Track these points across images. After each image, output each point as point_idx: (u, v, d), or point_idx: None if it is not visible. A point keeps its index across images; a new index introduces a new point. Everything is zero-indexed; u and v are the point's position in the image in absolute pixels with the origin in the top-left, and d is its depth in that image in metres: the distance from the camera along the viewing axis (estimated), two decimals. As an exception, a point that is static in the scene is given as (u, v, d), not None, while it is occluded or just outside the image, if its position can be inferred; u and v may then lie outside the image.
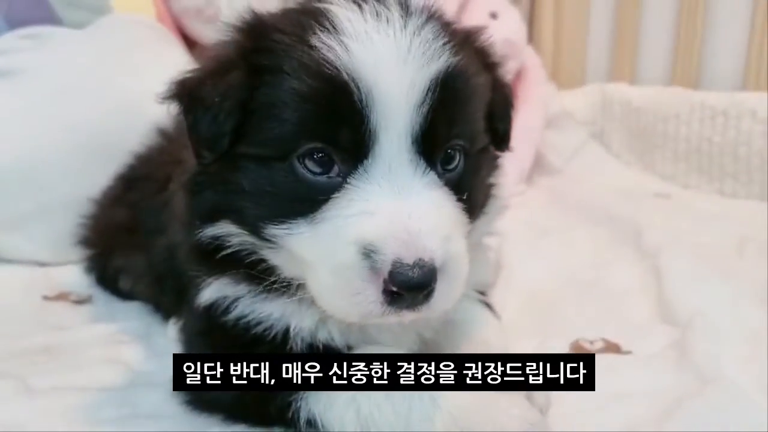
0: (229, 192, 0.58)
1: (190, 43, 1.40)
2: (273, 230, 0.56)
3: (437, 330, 0.69)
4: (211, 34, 1.31)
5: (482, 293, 0.77)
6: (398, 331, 0.65)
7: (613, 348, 0.79)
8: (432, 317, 0.66)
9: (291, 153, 0.54)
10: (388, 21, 0.56)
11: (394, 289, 0.50)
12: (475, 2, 1.66)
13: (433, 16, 0.61)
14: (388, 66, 0.53)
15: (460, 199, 0.57)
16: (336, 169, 0.54)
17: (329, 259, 0.52)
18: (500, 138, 0.67)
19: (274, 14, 0.61)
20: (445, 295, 0.53)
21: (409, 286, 0.50)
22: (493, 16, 1.66)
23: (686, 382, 0.68)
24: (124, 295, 0.98)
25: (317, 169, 0.54)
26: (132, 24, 1.23)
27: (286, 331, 0.59)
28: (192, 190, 0.62)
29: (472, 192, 0.59)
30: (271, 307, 0.59)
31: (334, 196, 0.53)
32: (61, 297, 1.03)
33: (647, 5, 1.85)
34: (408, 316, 0.54)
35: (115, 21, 1.20)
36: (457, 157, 0.57)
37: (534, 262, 1.11)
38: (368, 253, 0.51)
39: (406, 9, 0.58)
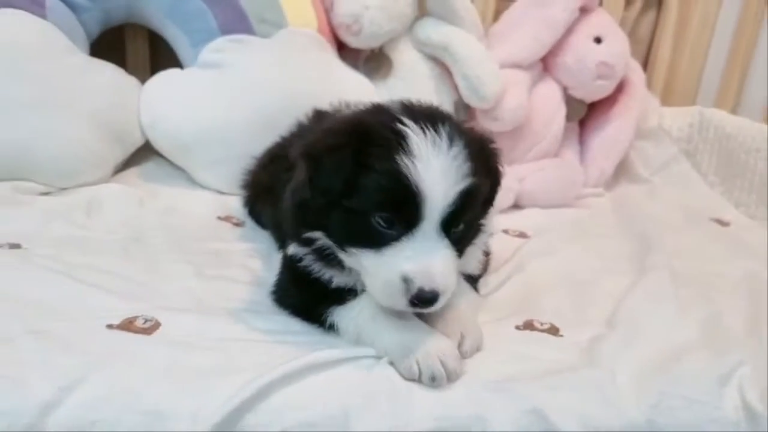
0: (327, 219, 0.95)
1: (342, 46, 1.84)
2: (352, 248, 0.93)
3: None
4: (354, 43, 1.77)
5: (472, 277, 1.13)
6: None
7: (553, 330, 1.07)
8: None
9: (372, 212, 0.89)
10: (439, 147, 0.89)
11: (416, 302, 0.89)
12: (582, 26, 1.86)
13: (461, 136, 0.92)
14: (436, 180, 0.88)
15: (458, 251, 0.95)
16: (397, 227, 0.90)
17: (383, 276, 0.90)
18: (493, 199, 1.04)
19: (373, 122, 0.93)
20: (441, 303, 0.91)
21: (424, 302, 0.89)
22: (597, 40, 1.86)
23: (569, 363, 0.95)
24: (262, 227, 1.45)
25: (384, 225, 0.90)
26: (300, 35, 1.69)
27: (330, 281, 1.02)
28: (299, 202, 0.96)
29: (465, 240, 0.98)
30: (330, 272, 1.02)
31: (393, 243, 0.90)
32: (227, 219, 1.51)
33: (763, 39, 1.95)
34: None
35: (289, 33, 1.67)
36: (461, 230, 0.94)
37: (548, 258, 1.37)
38: (405, 280, 0.88)
39: (450, 138, 0.90)
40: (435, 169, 0.88)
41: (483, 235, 1.08)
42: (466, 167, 0.90)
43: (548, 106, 1.89)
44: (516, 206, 1.80)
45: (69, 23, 1.58)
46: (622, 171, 2.01)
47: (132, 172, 1.69)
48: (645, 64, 2.16)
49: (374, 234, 0.91)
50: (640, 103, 1.97)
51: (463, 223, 0.94)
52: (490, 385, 0.91)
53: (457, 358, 0.93)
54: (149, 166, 1.72)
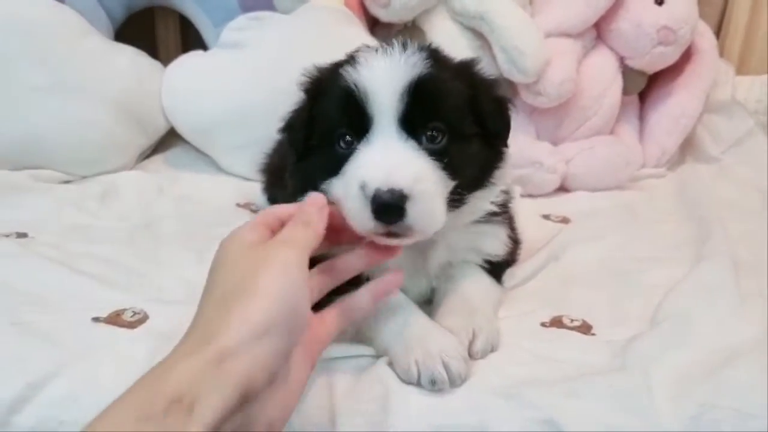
0: (307, 173, 0.88)
1: (375, 21, 1.73)
2: (326, 187, 0.82)
3: (440, 279, 0.96)
4: (384, 15, 1.66)
5: (491, 264, 0.99)
6: (411, 274, 0.92)
7: (584, 328, 0.94)
8: (432, 264, 0.93)
9: (332, 137, 0.82)
10: (389, 54, 0.81)
11: (379, 211, 0.72)
12: None
13: (427, 52, 0.83)
14: (380, 76, 0.79)
15: (442, 166, 0.79)
16: (356, 142, 0.80)
17: (347, 194, 0.77)
18: (494, 134, 0.87)
19: (329, 65, 0.90)
20: (415, 218, 0.73)
21: (384, 204, 0.72)
22: (659, 2, 1.65)
23: (598, 367, 0.82)
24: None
25: (345, 146, 0.81)
26: (325, 10, 1.60)
27: None
28: (293, 175, 0.92)
29: (455, 162, 0.80)
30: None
31: (351, 158, 0.80)
32: (246, 206, 1.46)
33: None
34: (398, 239, 0.75)
35: (312, 8, 1.60)
36: (440, 137, 0.80)
37: (588, 246, 1.21)
38: (362, 187, 0.74)
39: (405, 47, 0.82)
40: (379, 68, 0.79)
41: (493, 188, 0.92)
42: (420, 64, 0.80)
43: (601, 78, 1.70)
44: (562, 189, 1.64)
45: (89, 6, 1.57)
46: (687, 149, 1.81)
47: (158, 159, 1.67)
48: (718, 29, 1.92)
49: (340, 159, 0.81)
50: (709, 72, 1.76)
51: (441, 126, 0.80)
52: (498, 390, 0.79)
53: (463, 360, 0.80)
54: (176, 151, 1.70)
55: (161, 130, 1.63)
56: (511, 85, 1.69)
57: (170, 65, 1.63)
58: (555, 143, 1.69)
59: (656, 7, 1.66)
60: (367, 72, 0.80)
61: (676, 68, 1.75)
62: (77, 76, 1.45)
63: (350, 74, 0.80)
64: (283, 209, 0.74)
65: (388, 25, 1.74)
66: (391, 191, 0.72)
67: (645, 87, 1.78)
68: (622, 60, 1.73)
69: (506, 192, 0.98)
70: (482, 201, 0.91)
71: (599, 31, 1.73)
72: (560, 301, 1.03)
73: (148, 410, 0.52)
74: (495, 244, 0.99)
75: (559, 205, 1.53)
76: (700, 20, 1.73)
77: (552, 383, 0.80)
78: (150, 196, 1.42)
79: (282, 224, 0.71)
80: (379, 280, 0.79)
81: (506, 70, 1.61)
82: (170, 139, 1.70)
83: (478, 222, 0.94)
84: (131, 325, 0.90)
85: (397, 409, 0.77)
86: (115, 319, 0.91)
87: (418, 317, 0.86)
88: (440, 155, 0.79)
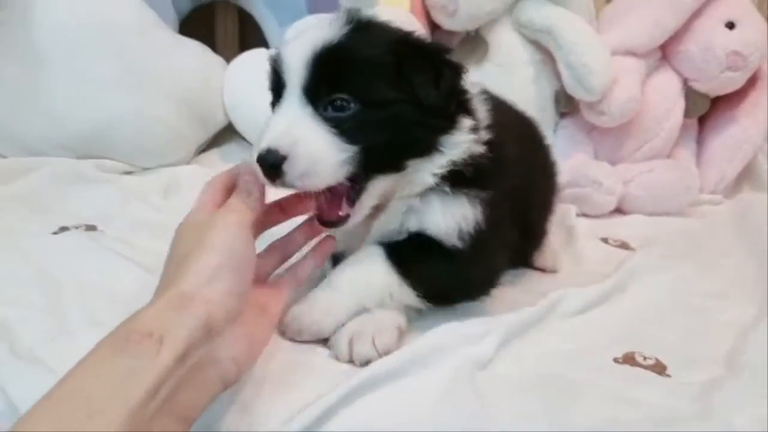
0: None
1: (435, 27, 1.72)
2: None
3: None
4: (449, 24, 1.64)
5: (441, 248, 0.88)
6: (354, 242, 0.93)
7: (658, 368, 0.92)
8: (374, 232, 0.91)
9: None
10: (314, 26, 0.83)
11: (262, 165, 0.77)
12: (712, 9, 1.63)
13: (354, 24, 0.82)
14: (297, 45, 0.81)
15: (339, 132, 0.79)
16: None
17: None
18: (430, 104, 0.82)
19: None
20: (293, 176, 0.77)
21: (262, 164, 0.77)
22: (730, 25, 1.62)
23: (678, 411, 0.80)
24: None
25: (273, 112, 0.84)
26: (389, 14, 1.59)
27: None
28: None
29: (361, 128, 0.79)
30: None
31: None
32: None
33: None
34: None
35: (377, 12, 1.58)
36: (349, 106, 0.80)
37: (655, 277, 1.19)
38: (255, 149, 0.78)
39: (339, 19, 0.83)
40: (296, 40, 0.83)
41: (438, 156, 0.86)
42: (335, 35, 0.80)
43: (664, 100, 1.68)
44: (618, 211, 1.62)
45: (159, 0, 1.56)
46: (745, 176, 1.78)
47: (214, 153, 1.67)
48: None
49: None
50: (774, 100, 1.71)
51: (344, 96, 0.79)
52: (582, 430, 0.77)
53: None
54: (231, 147, 1.69)
55: (219, 125, 1.63)
56: (572, 101, 1.67)
57: (233, 62, 1.62)
58: (613, 163, 1.67)
59: (727, 31, 1.63)
60: (288, 44, 0.83)
61: (740, 93, 1.72)
62: (145, 69, 1.45)
63: (281, 47, 0.84)
64: (223, 178, 0.84)
65: (450, 33, 1.72)
66: (269, 151, 0.77)
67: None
68: (686, 82, 1.70)
69: (471, 161, 0.88)
70: (423, 171, 0.87)
71: (665, 51, 1.70)
72: (630, 335, 1.00)
73: (123, 344, 0.60)
74: (435, 218, 0.89)
75: (617, 227, 1.51)
76: (768, 45, 1.69)
77: (633, 426, 0.79)
78: (209, 193, 1.42)
79: (229, 191, 0.81)
80: (316, 247, 0.93)
81: (571, 87, 1.59)
82: (225, 134, 1.70)
83: (427, 193, 0.89)
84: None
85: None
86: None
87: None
88: (341, 122, 0.80)
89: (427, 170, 0.86)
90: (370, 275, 0.88)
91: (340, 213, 0.84)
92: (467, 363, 0.85)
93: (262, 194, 0.81)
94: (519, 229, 1.00)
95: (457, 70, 0.86)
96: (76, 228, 1.15)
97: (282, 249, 0.91)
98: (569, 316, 1.05)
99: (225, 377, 0.70)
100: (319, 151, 0.78)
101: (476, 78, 1.55)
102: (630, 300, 1.13)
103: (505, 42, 1.68)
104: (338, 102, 0.80)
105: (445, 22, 1.65)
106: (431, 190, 0.88)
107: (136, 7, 1.48)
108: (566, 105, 1.70)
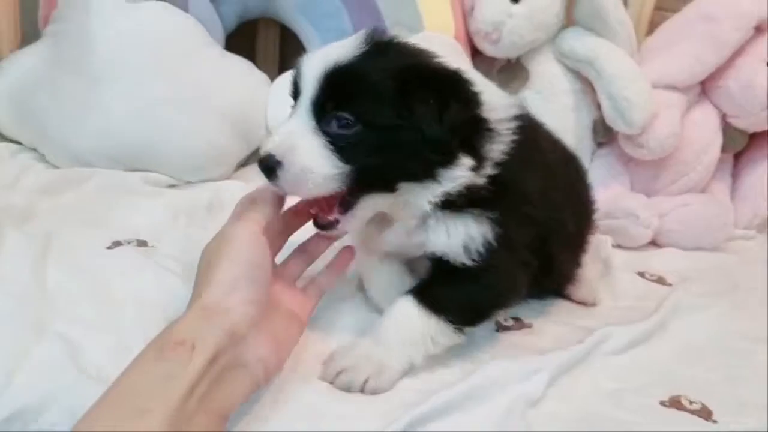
0: None
1: (475, 52, 1.74)
2: None
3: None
4: (492, 51, 1.66)
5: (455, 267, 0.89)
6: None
7: (704, 413, 0.92)
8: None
9: None
10: (333, 44, 0.87)
11: (261, 167, 0.83)
12: (754, 47, 1.62)
13: (371, 45, 0.85)
14: (315, 60, 0.85)
15: (336, 149, 0.82)
16: None
17: None
18: (431, 137, 0.82)
19: None
20: (285, 181, 0.82)
21: (260, 166, 0.83)
22: (773, 64, 1.64)
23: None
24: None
25: None
26: (435, 40, 1.61)
27: None
28: None
29: (356, 149, 0.82)
30: None
31: None
32: None
33: None
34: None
35: (423, 37, 1.60)
36: (352, 125, 0.82)
37: (695, 316, 1.20)
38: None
39: (359, 40, 0.86)
40: (319, 54, 0.86)
41: (434, 186, 0.86)
42: (350, 55, 0.83)
43: (702, 135, 1.68)
44: (652, 243, 1.63)
45: (209, 16, 1.58)
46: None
47: (253, 169, 1.68)
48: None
49: None
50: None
51: (346, 115, 0.81)
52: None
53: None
54: (270, 163, 1.71)
55: (260, 141, 1.65)
56: (610, 131, 1.68)
57: (277, 80, 1.64)
58: (649, 195, 1.67)
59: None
60: (311, 56, 0.87)
61: (779, 130, 1.72)
62: (195, 85, 1.47)
63: (303, 59, 0.88)
64: (251, 193, 0.91)
65: (490, 59, 1.74)
66: (267, 155, 0.82)
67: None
68: (724, 117, 1.71)
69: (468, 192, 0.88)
70: (418, 197, 0.87)
71: (705, 86, 1.71)
72: (674, 376, 1.01)
73: (160, 351, 0.69)
74: (440, 238, 0.90)
75: (652, 261, 1.51)
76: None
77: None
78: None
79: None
80: (335, 259, 1.00)
81: (611, 119, 1.60)
82: (264, 149, 1.72)
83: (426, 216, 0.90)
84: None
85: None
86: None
87: None
88: (340, 139, 0.82)
89: (422, 196, 0.87)
90: (410, 324, 0.89)
91: (330, 218, 0.88)
92: (519, 400, 0.87)
93: (277, 199, 0.87)
94: (543, 259, 0.99)
95: (467, 104, 0.85)
96: (128, 243, 1.17)
97: (306, 253, 0.98)
98: (614, 354, 1.05)
99: (254, 377, 0.77)
100: (311, 163, 0.82)
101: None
102: (672, 339, 1.14)
103: (546, 70, 1.70)
104: (342, 120, 0.82)
105: (488, 49, 1.67)
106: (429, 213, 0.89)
107: (190, 24, 1.50)
108: (604, 135, 1.71)
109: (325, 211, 0.89)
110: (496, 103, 0.89)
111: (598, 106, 1.67)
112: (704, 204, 1.64)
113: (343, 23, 1.60)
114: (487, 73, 1.71)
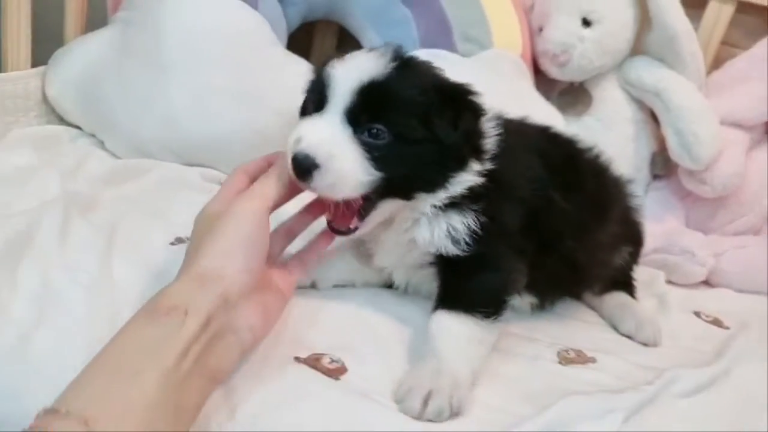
0: None
1: (536, 71, 1.71)
2: None
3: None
4: (556, 74, 1.63)
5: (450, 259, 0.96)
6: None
7: None
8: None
9: (305, 106, 0.95)
10: (361, 57, 0.91)
11: (294, 166, 0.85)
12: None
13: (399, 61, 0.89)
14: (342, 73, 0.88)
15: (370, 157, 0.87)
16: (311, 113, 0.91)
17: (288, 142, 0.89)
18: (449, 144, 0.90)
19: None
20: (320, 184, 0.86)
21: (295, 164, 0.85)
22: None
23: None
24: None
25: (306, 114, 0.93)
26: (502, 58, 1.58)
27: None
28: None
29: (387, 159, 0.87)
30: None
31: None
32: None
33: None
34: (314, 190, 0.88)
35: (491, 55, 1.58)
36: (384, 136, 0.87)
37: (756, 364, 1.13)
38: (296, 140, 0.86)
39: (385, 55, 0.90)
40: (348, 65, 0.90)
41: (441, 192, 0.94)
42: (382, 70, 0.88)
43: (763, 175, 1.65)
44: (704, 282, 1.60)
45: (275, 15, 1.57)
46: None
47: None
48: None
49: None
50: None
51: (380, 127, 0.87)
52: None
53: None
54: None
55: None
56: (669, 164, 1.65)
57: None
58: (704, 232, 1.64)
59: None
60: (337, 67, 0.90)
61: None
62: (258, 83, 1.45)
63: (330, 67, 0.91)
64: (247, 167, 0.94)
65: (552, 81, 1.71)
66: (306, 157, 0.85)
67: (800, 189, 1.71)
68: (785, 159, 1.68)
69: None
70: (425, 201, 0.95)
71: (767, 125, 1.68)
72: (739, 425, 0.99)
73: (152, 316, 0.70)
74: (423, 233, 0.97)
75: (706, 301, 1.48)
76: None
77: None
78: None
79: (252, 179, 0.91)
80: (317, 237, 1.03)
81: (676, 154, 1.57)
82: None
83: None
84: (331, 373, 0.90)
85: None
86: (315, 363, 0.91)
87: None
88: (374, 149, 0.87)
89: (428, 201, 0.95)
90: (453, 333, 0.92)
91: (350, 225, 0.93)
92: (593, 439, 0.85)
93: (291, 183, 0.89)
94: (544, 245, 1.04)
95: (476, 113, 0.94)
96: (189, 240, 1.16)
97: (289, 230, 1.01)
98: (681, 396, 1.02)
99: (243, 344, 0.79)
100: (349, 170, 0.86)
101: (574, 129, 1.58)
102: (734, 386, 1.10)
103: (609, 97, 1.68)
104: (375, 130, 0.87)
105: (553, 71, 1.65)
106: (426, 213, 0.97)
107: (257, 22, 1.48)
108: (662, 168, 1.68)
109: (336, 213, 0.93)
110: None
111: (658, 138, 1.64)
112: (762, 247, 1.60)
113: (411, 33, 1.58)
114: (547, 95, 1.69)
